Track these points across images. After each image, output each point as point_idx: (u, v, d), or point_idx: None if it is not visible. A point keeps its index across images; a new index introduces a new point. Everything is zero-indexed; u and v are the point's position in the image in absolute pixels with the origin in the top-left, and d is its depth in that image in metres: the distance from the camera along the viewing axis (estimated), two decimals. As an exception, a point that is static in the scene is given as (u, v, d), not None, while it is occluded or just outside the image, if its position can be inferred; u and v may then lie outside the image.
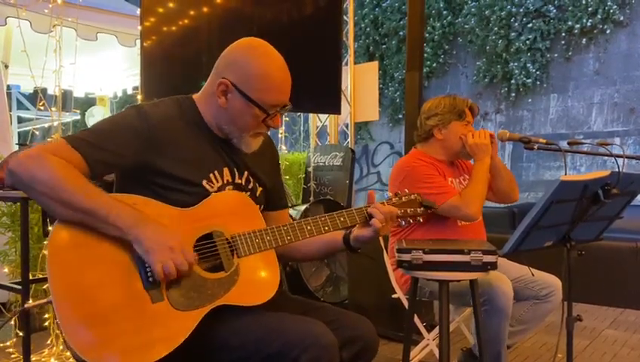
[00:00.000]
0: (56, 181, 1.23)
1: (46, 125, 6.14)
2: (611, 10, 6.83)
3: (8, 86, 5.28)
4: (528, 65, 7.46)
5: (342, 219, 1.49)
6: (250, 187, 1.54)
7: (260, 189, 1.57)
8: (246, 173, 1.53)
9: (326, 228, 1.48)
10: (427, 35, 8.13)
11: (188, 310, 1.28)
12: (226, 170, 1.47)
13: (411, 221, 1.60)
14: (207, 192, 1.41)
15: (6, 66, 4.74)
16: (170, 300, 1.27)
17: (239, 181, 1.51)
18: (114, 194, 1.35)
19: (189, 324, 1.26)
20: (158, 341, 1.22)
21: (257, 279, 1.39)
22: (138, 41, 3.82)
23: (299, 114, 6.04)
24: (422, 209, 1.60)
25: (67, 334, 1.18)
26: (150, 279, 1.26)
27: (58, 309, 1.18)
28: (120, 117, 1.40)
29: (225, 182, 1.47)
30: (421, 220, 1.63)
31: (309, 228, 1.46)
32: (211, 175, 1.44)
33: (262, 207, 1.57)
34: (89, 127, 1.39)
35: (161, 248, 1.24)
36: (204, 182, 1.42)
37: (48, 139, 4.12)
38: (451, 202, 2.20)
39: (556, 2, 7.28)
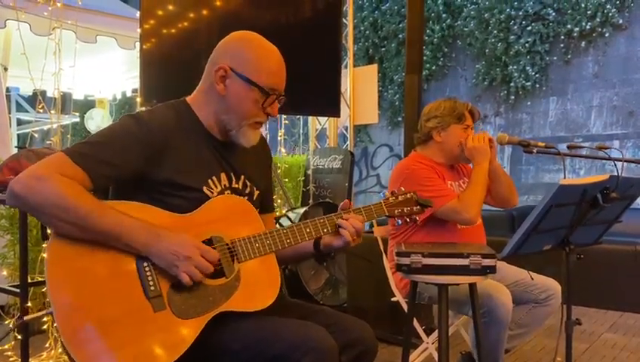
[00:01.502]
0: (67, 204, 1.21)
1: (45, 127, 6.14)
2: (610, 14, 6.84)
3: (7, 88, 5.29)
4: (527, 68, 7.47)
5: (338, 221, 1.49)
6: (247, 191, 1.54)
7: (257, 193, 1.57)
8: (242, 177, 1.53)
9: (325, 229, 1.48)
10: (426, 37, 8.14)
11: (190, 318, 1.27)
12: (223, 176, 1.47)
13: (408, 220, 1.59)
14: (206, 197, 1.41)
15: (5, 69, 4.74)
16: (172, 308, 1.26)
17: (236, 185, 1.51)
18: (113, 202, 1.33)
19: (191, 332, 1.26)
20: (161, 350, 1.22)
21: (258, 284, 1.39)
22: (137, 44, 3.82)
23: (298, 117, 6.03)
24: (418, 207, 1.59)
25: (69, 345, 1.17)
26: (152, 288, 1.26)
27: (59, 320, 1.17)
28: (119, 128, 1.37)
29: (223, 187, 1.46)
30: (418, 219, 1.62)
31: (308, 230, 1.46)
32: (210, 181, 1.44)
33: (258, 210, 1.57)
34: (88, 138, 1.36)
35: (181, 260, 1.26)
36: (205, 188, 1.42)
37: (47, 142, 4.12)
38: (450, 205, 2.20)
39: (555, 5, 7.30)
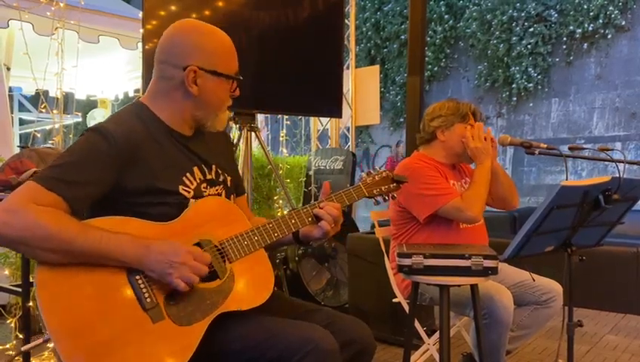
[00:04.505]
0: (48, 232, 1.18)
1: (47, 127, 6.14)
2: (612, 15, 6.84)
3: (10, 88, 5.29)
4: (530, 69, 7.47)
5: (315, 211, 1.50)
6: (221, 180, 1.53)
7: (229, 178, 1.57)
8: (214, 166, 1.51)
9: (309, 219, 1.48)
10: (429, 39, 8.15)
11: (190, 324, 1.27)
12: (196, 170, 1.46)
13: (386, 198, 1.60)
14: (185, 198, 1.39)
15: (8, 69, 4.74)
16: (171, 317, 1.25)
17: (210, 176, 1.49)
18: (95, 219, 1.29)
19: (194, 338, 1.25)
20: (166, 360, 1.21)
21: (253, 281, 1.39)
22: (140, 44, 3.82)
23: (300, 117, 6.04)
24: (394, 184, 1.60)
25: None
26: (148, 299, 1.24)
27: (58, 345, 1.15)
28: (86, 145, 1.33)
29: (198, 181, 1.45)
30: (395, 196, 1.63)
31: (293, 221, 1.46)
32: (184, 178, 1.42)
33: (234, 195, 1.58)
34: (56, 160, 1.31)
35: (174, 267, 1.24)
36: (181, 188, 1.40)
37: (49, 142, 4.12)
38: (453, 203, 2.20)
39: (558, 7, 7.30)
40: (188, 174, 1.43)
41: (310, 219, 1.48)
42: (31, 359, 2.40)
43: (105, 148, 1.31)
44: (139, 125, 1.40)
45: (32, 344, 1.52)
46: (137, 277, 1.26)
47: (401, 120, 8.69)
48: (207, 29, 1.46)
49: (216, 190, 1.50)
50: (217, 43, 1.45)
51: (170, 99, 1.44)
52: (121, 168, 1.32)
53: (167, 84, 1.44)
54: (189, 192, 1.41)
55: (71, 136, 4.10)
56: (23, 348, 1.61)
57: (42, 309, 1.16)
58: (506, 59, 7.66)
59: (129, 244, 1.24)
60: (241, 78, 1.49)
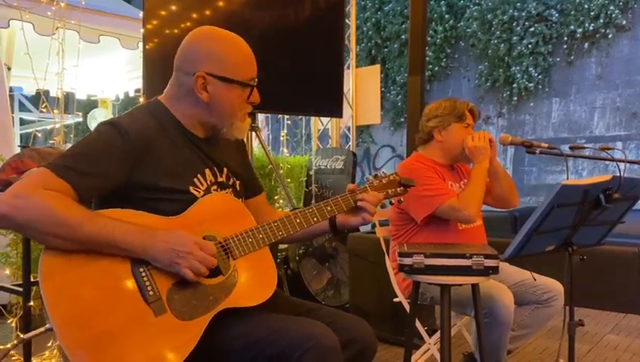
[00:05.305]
0: (57, 217, 1.19)
1: (48, 127, 6.15)
2: (613, 15, 6.84)
3: (11, 88, 5.29)
4: (530, 69, 7.46)
5: (329, 208, 1.49)
6: (230, 183, 1.54)
7: (238, 183, 1.57)
8: (225, 169, 1.52)
9: (314, 218, 1.48)
10: (429, 38, 8.14)
11: (192, 318, 1.27)
12: (207, 171, 1.46)
13: (393, 201, 1.61)
14: (194, 198, 1.40)
15: (9, 68, 4.75)
16: (174, 311, 1.26)
17: (221, 179, 1.50)
18: (102, 211, 1.30)
19: (195, 333, 1.26)
20: (168, 353, 1.21)
21: (256, 278, 1.40)
22: (140, 44, 3.82)
23: (300, 117, 6.04)
24: (401, 188, 1.61)
25: (74, 360, 1.15)
26: (150, 292, 1.25)
27: (61, 336, 1.15)
28: (99, 137, 1.34)
29: (209, 183, 1.45)
30: (402, 199, 1.63)
31: (298, 221, 1.46)
32: (195, 179, 1.42)
33: (243, 198, 1.58)
34: (69, 150, 1.33)
35: (181, 257, 1.25)
36: (191, 188, 1.41)
37: (50, 142, 4.12)
38: (449, 203, 2.20)
39: (558, 6, 7.29)
40: (199, 175, 1.44)
41: (315, 218, 1.48)
42: (32, 359, 2.41)
43: (119, 143, 1.32)
44: (152, 122, 1.40)
45: (33, 333, 1.53)
46: (141, 269, 1.26)
47: (402, 120, 8.68)
48: (221, 35, 1.45)
49: (226, 193, 1.50)
50: (230, 49, 1.43)
51: (183, 105, 1.45)
52: (133, 164, 1.33)
53: (180, 90, 1.44)
54: (199, 192, 1.42)
55: (72, 135, 4.10)
56: (24, 336, 1.62)
57: (46, 298, 1.17)
58: (506, 58, 7.65)
59: (134, 233, 1.25)
60: (255, 84, 1.46)
